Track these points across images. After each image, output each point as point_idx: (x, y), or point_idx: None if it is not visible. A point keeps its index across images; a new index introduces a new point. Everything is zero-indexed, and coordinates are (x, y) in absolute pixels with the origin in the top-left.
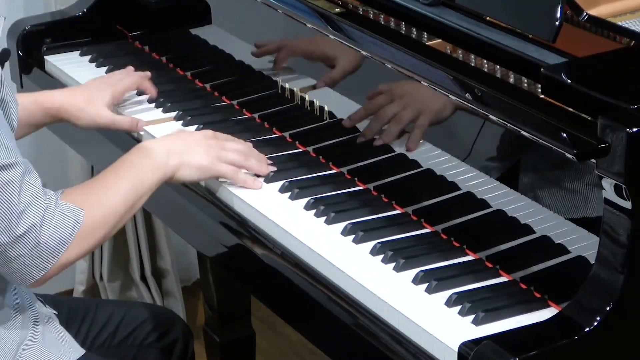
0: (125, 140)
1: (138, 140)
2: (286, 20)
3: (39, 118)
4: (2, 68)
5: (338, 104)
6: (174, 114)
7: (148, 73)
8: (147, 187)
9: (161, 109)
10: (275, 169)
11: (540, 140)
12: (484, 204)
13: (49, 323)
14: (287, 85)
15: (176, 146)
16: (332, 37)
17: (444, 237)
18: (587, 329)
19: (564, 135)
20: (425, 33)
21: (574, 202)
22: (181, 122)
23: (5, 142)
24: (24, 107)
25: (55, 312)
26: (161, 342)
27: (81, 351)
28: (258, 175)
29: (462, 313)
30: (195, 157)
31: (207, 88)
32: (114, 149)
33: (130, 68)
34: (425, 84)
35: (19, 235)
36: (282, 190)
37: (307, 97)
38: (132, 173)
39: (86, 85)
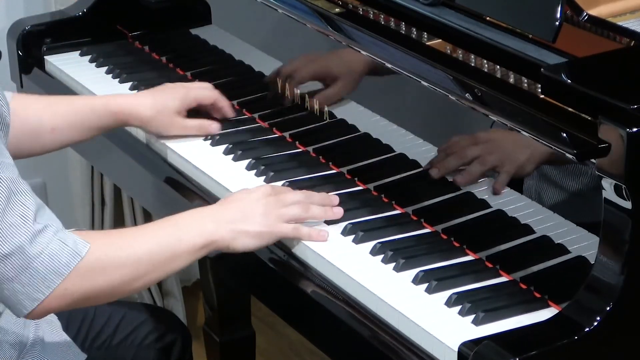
0: (125, 139)
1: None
2: (286, 20)
3: (107, 122)
4: None
5: (338, 104)
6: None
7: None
8: (185, 249)
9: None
10: (341, 210)
11: (540, 140)
12: (484, 204)
13: (50, 328)
14: (287, 86)
15: (230, 214)
16: (332, 37)
17: (444, 237)
18: (587, 329)
19: (564, 135)
20: (425, 33)
21: (574, 201)
22: None
23: None
24: (93, 110)
25: (56, 316)
26: (160, 342)
27: (82, 356)
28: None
29: (462, 313)
30: (253, 225)
31: None
32: (114, 148)
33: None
34: (426, 84)
35: (4, 254)
36: None
37: (307, 97)
38: (170, 230)
39: (154, 91)
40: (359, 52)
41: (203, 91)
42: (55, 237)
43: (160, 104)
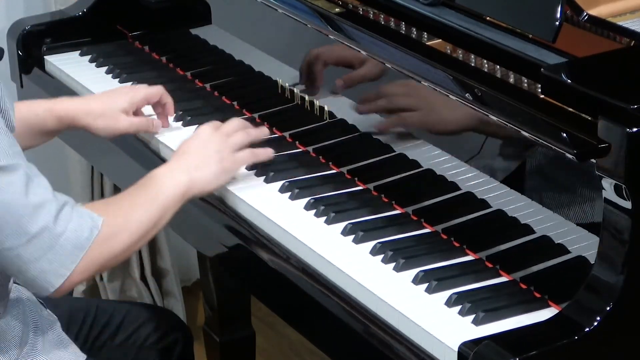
0: (125, 139)
1: (148, 146)
2: (286, 20)
3: (52, 126)
4: None
5: (338, 104)
6: (173, 114)
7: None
8: (171, 203)
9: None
10: (267, 131)
11: (540, 140)
12: (484, 204)
13: (50, 328)
14: (287, 85)
15: (193, 161)
16: (332, 37)
17: (444, 237)
18: (587, 329)
19: (564, 135)
20: (425, 33)
21: (574, 201)
22: (181, 122)
23: (4, 144)
24: (37, 115)
25: (56, 317)
26: (161, 343)
27: (83, 356)
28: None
29: (462, 313)
30: (215, 164)
31: (207, 88)
32: (114, 148)
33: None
34: (426, 84)
35: (32, 235)
36: (282, 190)
37: (307, 97)
38: (154, 188)
39: (102, 93)
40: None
41: (151, 89)
42: (73, 213)
43: (107, 104)
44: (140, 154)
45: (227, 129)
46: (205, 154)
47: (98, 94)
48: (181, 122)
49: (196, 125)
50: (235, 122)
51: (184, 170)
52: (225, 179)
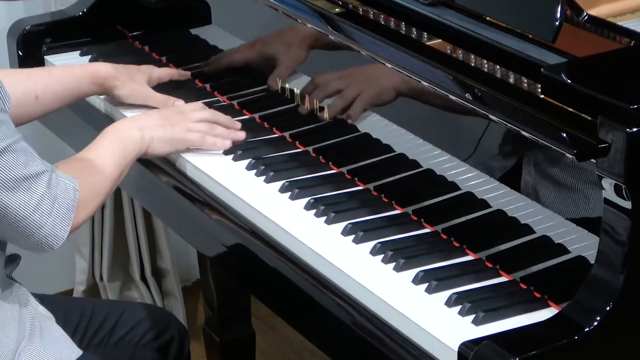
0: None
1: None
2: (286, 20)
3: (86, 87)
4: None
5: (338, 104)
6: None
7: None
8: (130, 158)
9: None
10: (243, 134)
11: (540, 140)
12: (484, 204)
13: (47, 323)
14: (287, 86)
15: (147, 122)
16: (332, 37)
17: (444, 237)
18: (587, 329)
19: (564, 135)
20: (425, 33)
21: (574, 202)
22: None
23: (7, 124)
24: (74, 76)
25: (50, 312)
26: (157, 341)
27: (79, 352)
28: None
29: (462, 313)
30: (166, 131)
31: (207, 88)
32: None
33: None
34: (426, 84)
35: (36, 203)
36: (282, 190)
37: (307, 97)
38: (117, 146)
39: (126, 65)
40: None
41: (162, 70)
42: (56, 177)
43: (131, 73)
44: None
45: (195, 114)
46: (162, 118)
47: (122, 65)
48: None
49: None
50: (206, 113)
51: (139, 128)
52: (173, 148)
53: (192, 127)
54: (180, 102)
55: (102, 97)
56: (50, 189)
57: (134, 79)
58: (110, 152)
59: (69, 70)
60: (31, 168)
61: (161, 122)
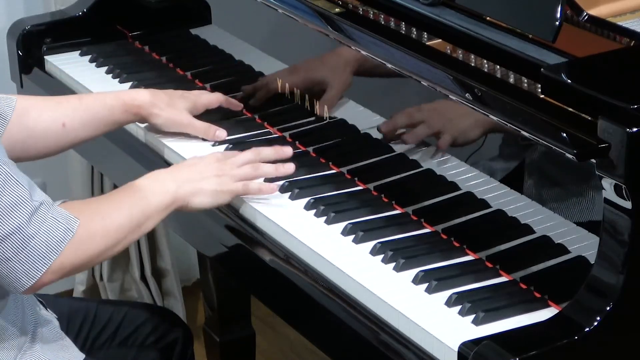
0: (125, 139)
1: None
2: (286, 20)
3: (118, 115)
4: None
5: (338, 104)
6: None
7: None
8: (154, 209)
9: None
10: (292, 165)
11: (540, 140)
12: (484, 204)
13: (49, 327)
14: (287, 86)
15: (185, 174)
16: (332, 37)
17: (444, 237)
18: (587, 329)
19: (564, 135)
20: (425, 33)
21: (574, 201)
22: None
23: None
24: (105, 104)
25: (55, 316)
26: (161, 342)
27: (81, 356)
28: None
29: (462, 313)
30: (208, 184)
31: (207, 88)
32: (114, 148)
33: (207, 91)
34: (426, 84)
35: (4, 235)
36: (282, 190)
37: (307, 97)
38: (138, 193)
39: (170, 91)
40: (358, 50)
41: (211, 95)
42: (49, 214)
43: (173, 99)
44: (140, 154)
45: (237, 159)
46: (202, 171)
47: (165, 90)
48: None
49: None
50: (249, 155)
51: (173, 180)
52: (217, 201)
53: (236, 174)
54: (222, 133)
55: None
56: (31, 224)
57: (174, 106)
58: (127, 198)
59: (100, 97)
60: (7, 196)
61: (202, 174)
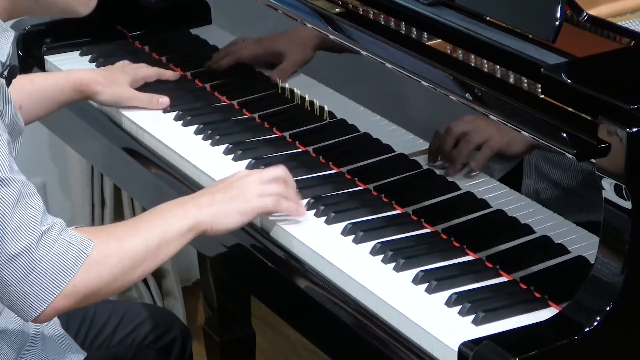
0: (125, 139)
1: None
2: (286, 20)
3: (68, 94)
4: (8, 86)
5: (338, 104)
6: (173, 114)
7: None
8: (175, 233)
9: (161, 110)
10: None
11: (540, 140)
12: (484, 204)
13: (49, 325)
14: (287, 86)
15: (209, 198)
16: (332, 37)
17: (444, 237)
18: (587, 329)
19: (564, 135)
20: (425, 33)
21: (574, 202)
22: (181, 122)
23: (4, 160)
24: (56, 84)
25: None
26: (159, 342)
27: (82, 354)
28: None
29: (462, 313)
30: (232, 204)
31: (207, 88)
32: (114, 148)
33: (145, 64)
34: (426, 84)
35: (11, 255)
36: None
37: (307, 97)
38: (158, 217)
39: (109, 67)
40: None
41: (147, 70)
42: (60, 236)
43: (114, 76)
44: (141, 154)
45: (265, 173)
46: (227, 191)
47: (105, 67)
48: (181, 122)
49: (196, 126)
50: (278, 170)
51: (195, 205)
52: (243, 221)
53: (264, 190)
54: (164, 99)
55: None
56: (40, 245)
57: (116, 82)
58: (144, 222)
59: (51, 79)
60: (17, 216)
61: (227, 194)
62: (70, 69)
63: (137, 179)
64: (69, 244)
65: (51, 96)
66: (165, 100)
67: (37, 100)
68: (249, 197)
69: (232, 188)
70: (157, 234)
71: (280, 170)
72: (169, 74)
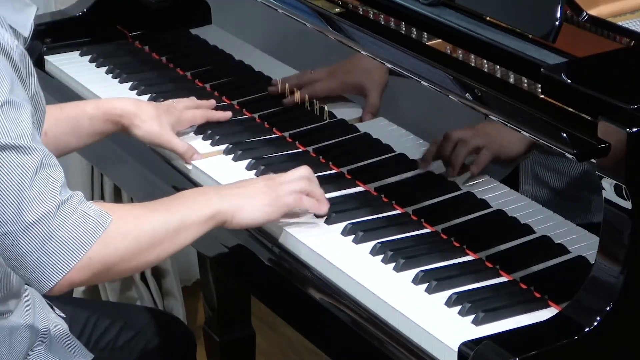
0: (125, 139)
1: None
2: (286, 20)
3: (99, 124)
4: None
5: (338, 104)
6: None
7: (213, 102)
8: (195, 219)
9: None
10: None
11: (540, 140)
12: (484, 204)
13: (58, 329)
14: (287, 85)
15: (233, 190)
16: (332, 37)
17: (444, 237)
18: (587, 329)
19: (564, 135)
20: (425, 33)
21: (574, 202)
22: None
23: (28, 128)
24: (84, 111)
25: (63, 315)
26: (163, 347)
27: (89, 356)
28: None
29: (462, 313)
30: (256, 199)
31: (207, 88)
32: (114, 148)
33: (194, 99)
34: (426, 84)
35: (29, 223)
36: None
37: (307, 97)
38: (179, 201)
39: (155, 103)
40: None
41: (196, 112)
42: (79, 207)
43: (158, 112)
44: (141, 154)
45: (290, 174)
46: (251, 186)
47: (152, 102)
48: None
49: (196, 126)
50: (303, 171)
51: (219, 194)
52: (266, 217)
53: (288, 187)
54: (198, 157)
55: None
56: (58, 215)
57: (157, 120)
58: (164, 205)
59: (81, 106)
60: (37, 184)
61: (248, 189)
62: (70, 69)
63: (137, 179)
64: (87, 216)
65: (80, 124)
66: (198, 157)
67: (65, 128)
68: (273, 195)
69: (257, 185)
70: (178, 217)
71: (303, 170)
72: (219, 115)
